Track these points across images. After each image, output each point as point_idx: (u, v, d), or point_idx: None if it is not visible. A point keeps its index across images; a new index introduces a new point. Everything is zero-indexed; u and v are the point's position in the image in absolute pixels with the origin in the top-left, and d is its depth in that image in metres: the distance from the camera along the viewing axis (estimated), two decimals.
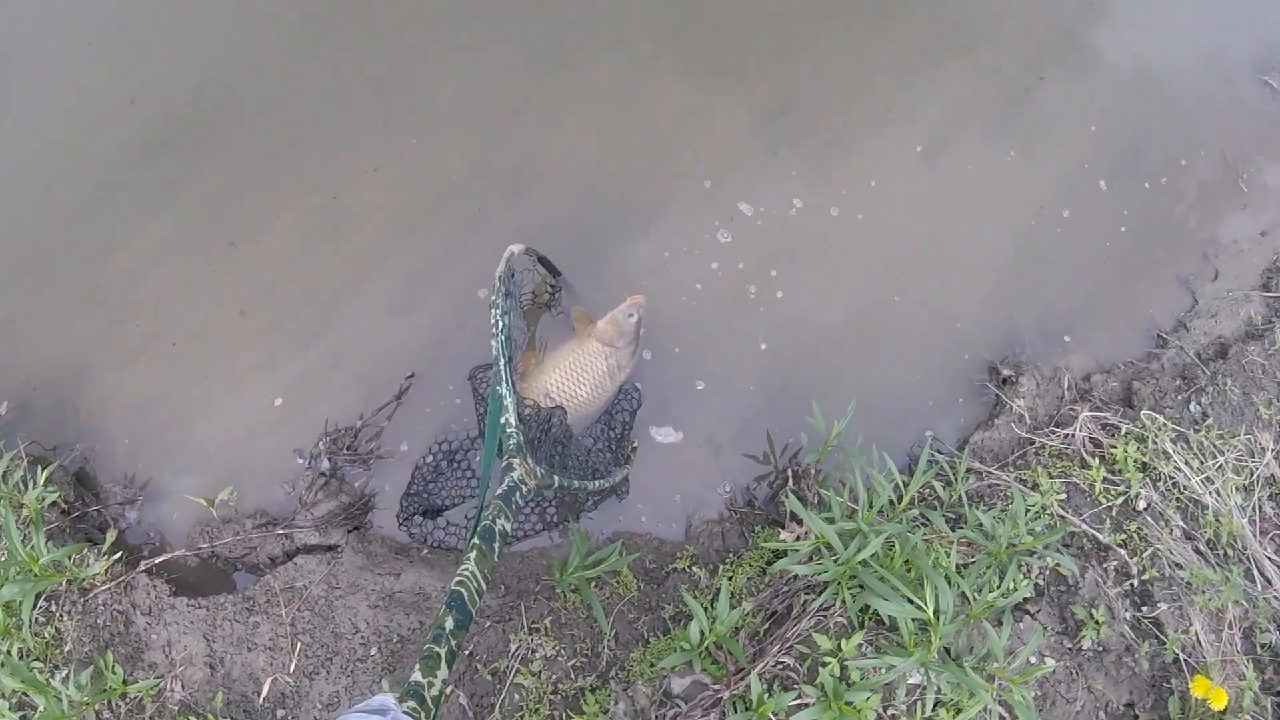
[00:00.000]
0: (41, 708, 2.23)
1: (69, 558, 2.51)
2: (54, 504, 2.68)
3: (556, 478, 2.24)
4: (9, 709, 2.32)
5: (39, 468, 2.67)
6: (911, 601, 2.22)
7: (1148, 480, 2.70)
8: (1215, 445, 2.80)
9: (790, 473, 2.73)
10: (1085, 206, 3.35)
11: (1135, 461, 2.71)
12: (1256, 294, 3.29)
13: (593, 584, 2.54)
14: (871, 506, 2.41)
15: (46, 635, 2.44)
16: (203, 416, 2.91)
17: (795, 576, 2.45)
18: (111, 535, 2.65)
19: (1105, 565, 2.56)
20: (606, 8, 3.56)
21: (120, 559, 2.62)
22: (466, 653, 2.44)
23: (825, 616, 2.37)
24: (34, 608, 2.43)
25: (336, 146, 3.30)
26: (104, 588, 2.53)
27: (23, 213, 3.27)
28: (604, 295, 2.93)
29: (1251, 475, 2.77)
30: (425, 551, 2.69)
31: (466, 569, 1.80)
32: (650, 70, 3.46)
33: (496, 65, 3.44)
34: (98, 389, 2.98)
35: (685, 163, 3.30)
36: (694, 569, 2.61)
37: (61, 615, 2.47)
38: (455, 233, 3.15)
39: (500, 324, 2.29)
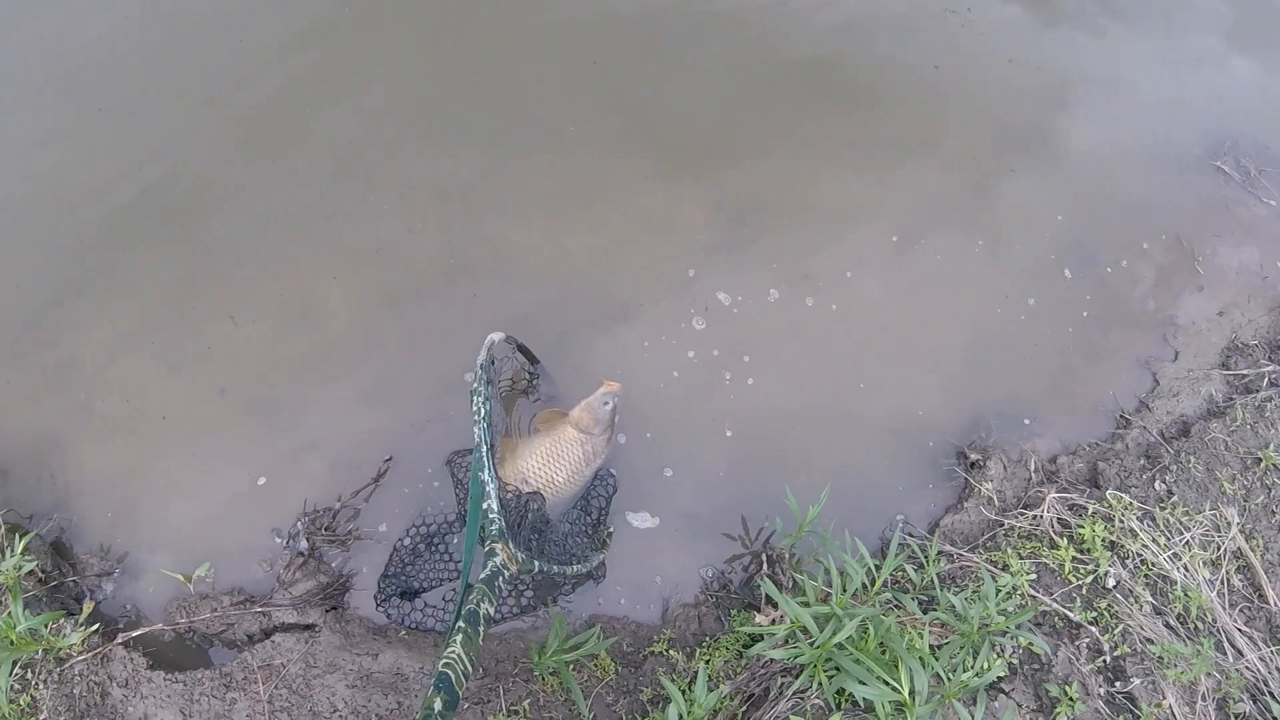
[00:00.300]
0: None
1: (45, 626, 2.50)
2: (31, 573, 2.66)
3: (536, 563, 2.27)
4: None
5: (16, 535, 2.66)
6: (887, 683, 2.25)
7: (1116, 558, 2.76)
8: (1181, 522, 2.86)
9: (765, 557, 2.76)
10: (1049, 294, 3.45)
11: (1103, 540, 2.77)
12: (1216, 372, 3.39)
13: (571, 667, 2.54)
14: (845, 590, 2.45)
15: (22, 703, 2.43)
16: (181, 492, 2.90)
17: (772, 660, 2.47)
18: (89, 607, 2.64)
19: (1077, 643, 2.60)
20: (576, 107, 3.67)
21: (97, 630, 2.59)
22: None
23: (802, 699, 2.39)
24: (10, 675, 2.41)
25: (318, 231, 3.36)
26: (80, 658, 2.52)
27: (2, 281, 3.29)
28: (580, 382, 2.96)
29: (1218, 549, 2.83)
30: (403, 632, 2.69)
31: (453, 651, 1.83)
32: (622, 163, 3.56)
33: (469, 157, 3.53)
34: (76, 460, 2.96)
35: (662, 253, 3.37)
36: (671, 652, 2.62)
37: (37, 684, 2.46)
38: (434, 318, 3.19)
39: (482, 411, 2.33)
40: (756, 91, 3.80)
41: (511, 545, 2.18)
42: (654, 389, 3.11)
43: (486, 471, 2.25)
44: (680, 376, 3.14)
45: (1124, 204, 3.70)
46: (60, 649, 2.50)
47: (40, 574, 2.72)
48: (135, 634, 2.62)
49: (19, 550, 2.56)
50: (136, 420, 3.01)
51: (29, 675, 2.47)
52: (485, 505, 2.23)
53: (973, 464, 3.05)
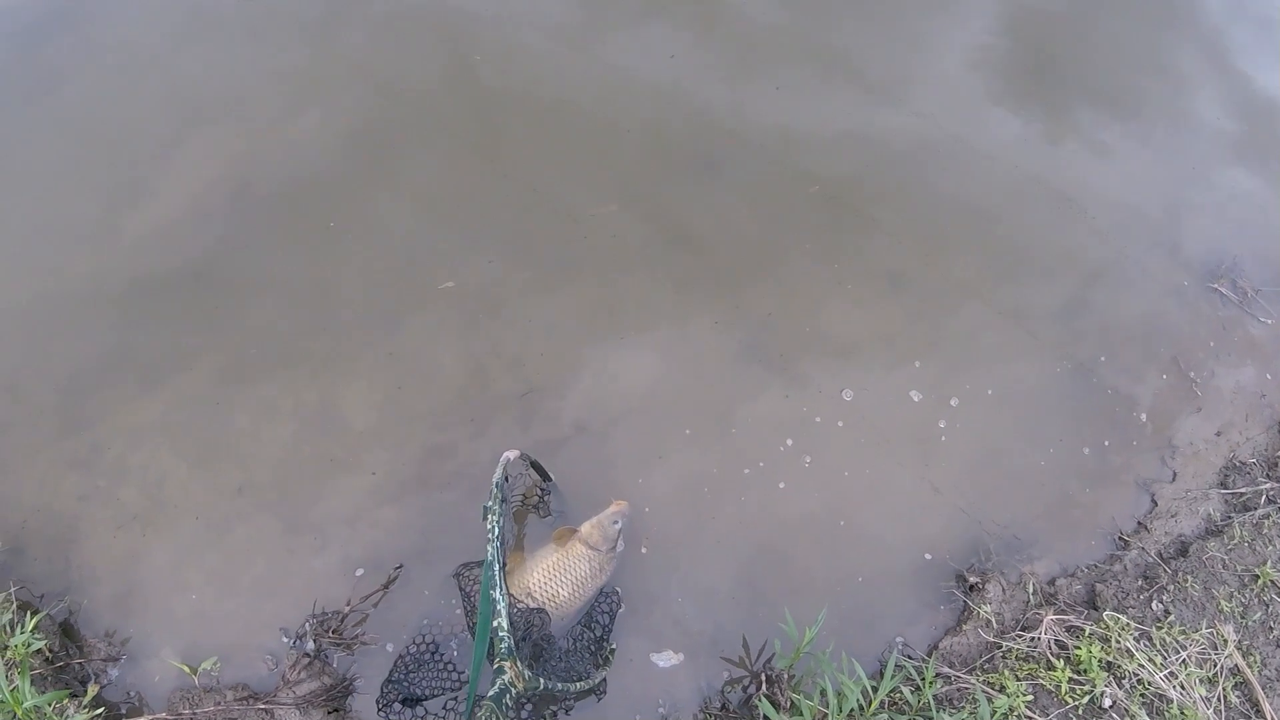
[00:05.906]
0: None
1: (50, 705, 2.54)
2: (39, 651, 2.71)
3: (542, 680, 2.31)
4: None
5: (27, 614, 2.73)
6: None
7: (1112, 679, 2.77)
8: (1178, 640, 2.88)
9: (764, 677, 2.78)
10: (1050, 418, 3.49)
11: (1099, 661, 2.79)
12: (1214, 492, 3.42)
13: None
14: (841, 710, 2.48)
15: None
16: (191, 584, 2.96)
17: None
18: (93, 690, 2.69)
19: None
20: (604, 217, 3.85)
21: (101, 714, 2.63)
22: None
23: None
24: None
25: (349, 337, 3.48)
26: None
27: (31, 359, 3.42)
28: (591, 499, 3.03)
29: (1215, 667, 2.84)
30: None
31: None
32: (645, 278, 3.70)
33: (495, 267, 3.68)
34: (90, 543, 3.03)
35: (675, 369, 3.47)
36: None
37: None
38: (453, 434, 3.26)
39: (495, 530, 2.40)
40: (775, 213, 3.95)
41: (520, 663, 2.23)
42: (662, 504, 3.15)
43: (498, 589, 2.32)
44: (686, 490, 3.20)
45: (1124, 328, 3.76)
46: None
47: (48, 653, 2.76)
48: None
49: (29, 628, 2.62)
50: (154, 510, 3.08)
51: None
52: (495, 623, 2.29)
53: (971, 587, 3.07)
